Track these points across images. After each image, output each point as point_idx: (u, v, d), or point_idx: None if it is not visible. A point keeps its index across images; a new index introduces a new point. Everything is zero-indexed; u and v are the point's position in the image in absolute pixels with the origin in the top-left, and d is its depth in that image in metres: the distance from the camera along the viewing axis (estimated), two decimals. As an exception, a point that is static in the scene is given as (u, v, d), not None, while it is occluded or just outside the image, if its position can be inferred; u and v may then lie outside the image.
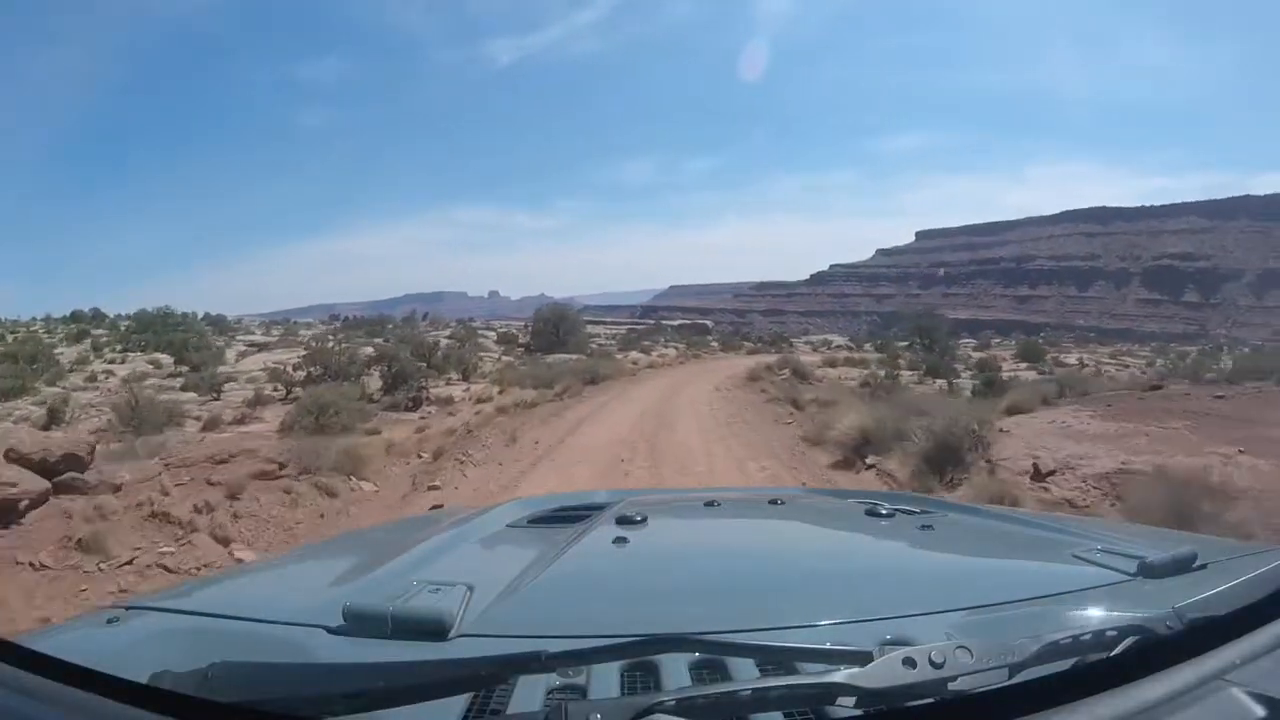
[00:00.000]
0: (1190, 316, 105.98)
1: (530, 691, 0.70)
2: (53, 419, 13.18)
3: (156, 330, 30.59)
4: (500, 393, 14.59)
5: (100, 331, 34.58)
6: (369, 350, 20.38)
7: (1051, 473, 5.76)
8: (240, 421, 13.04)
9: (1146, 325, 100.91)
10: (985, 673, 0.63)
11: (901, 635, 0.72)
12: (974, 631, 0.79)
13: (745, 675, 0.71)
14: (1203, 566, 0.94)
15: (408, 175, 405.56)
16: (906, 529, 1.35)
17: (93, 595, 4.30)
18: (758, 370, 18.66)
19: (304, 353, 19.01)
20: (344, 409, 10.88)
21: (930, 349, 26.56)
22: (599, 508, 1.57)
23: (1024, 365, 28.29)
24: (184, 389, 17.73)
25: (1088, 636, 0.69)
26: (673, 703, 0.59)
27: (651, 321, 78.08)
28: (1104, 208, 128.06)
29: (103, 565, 4.74)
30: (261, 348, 30.47)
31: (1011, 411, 9.17)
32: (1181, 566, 0.94)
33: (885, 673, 0.61)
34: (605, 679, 0.72)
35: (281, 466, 6.54)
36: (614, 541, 1.22)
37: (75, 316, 42.35)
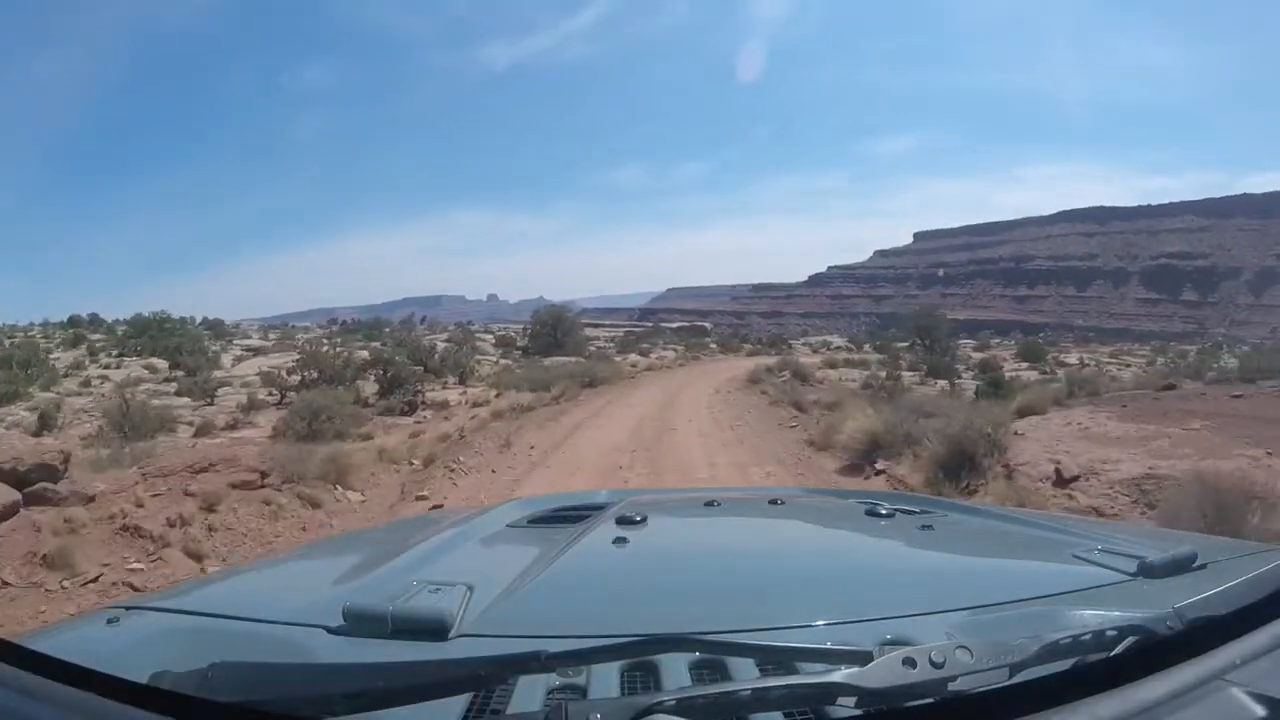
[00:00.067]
0: (1189, 315, 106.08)
1: (530, 691, 0.70)
2: (44, 425, 13.04)
3: (153, 335, 30.40)
4: (497, 396, 14.39)
5: (98, 336, 34.70)
6: (364, 354, 20.19)
7: (1075, 478, 5.45)
8: (233, 427, 12.90)
9: (1145, 324, 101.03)
10: (985, 673, 0.62)
11: (901, 635, 0.73)
12: (974, 631, 0.78)
13: (745, 675, 0.71)
14: (1203, 566, 0.94)
15: (406, 179, 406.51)
16: (906, 529, 1.34)
17: (51, 617, 4.01)
18: (758, 372, 18.52)
19: (298, 357, 18.71)
20: (337, 414, 10.76)
21: (931, 349, 26.43)
22: (599, 508, 1.57)
23: (1025, 365, 28.27)
24: (178, 394, 17.58)
25: (1088, 636, 0.69)
26: (673, 703, 0.59)
27: (650, 324, 78.08)
28: (1102, 207, 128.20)
29: (66, 583, 4.48)
30: (258, 352, 30.45)
31: (1023, 413, 8.87)
32: (1181, 566, 0.93)
33: (885, 673, 0.61)
34: (605, 679, 0.72)
35: (264, 476, 6.22)
36: (614, 541, 1.21)
37: (73, 321, 42.33)
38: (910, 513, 1.43)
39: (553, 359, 24.34)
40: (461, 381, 19.31)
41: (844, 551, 1.34)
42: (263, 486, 6.14)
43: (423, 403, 14.64)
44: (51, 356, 25.80)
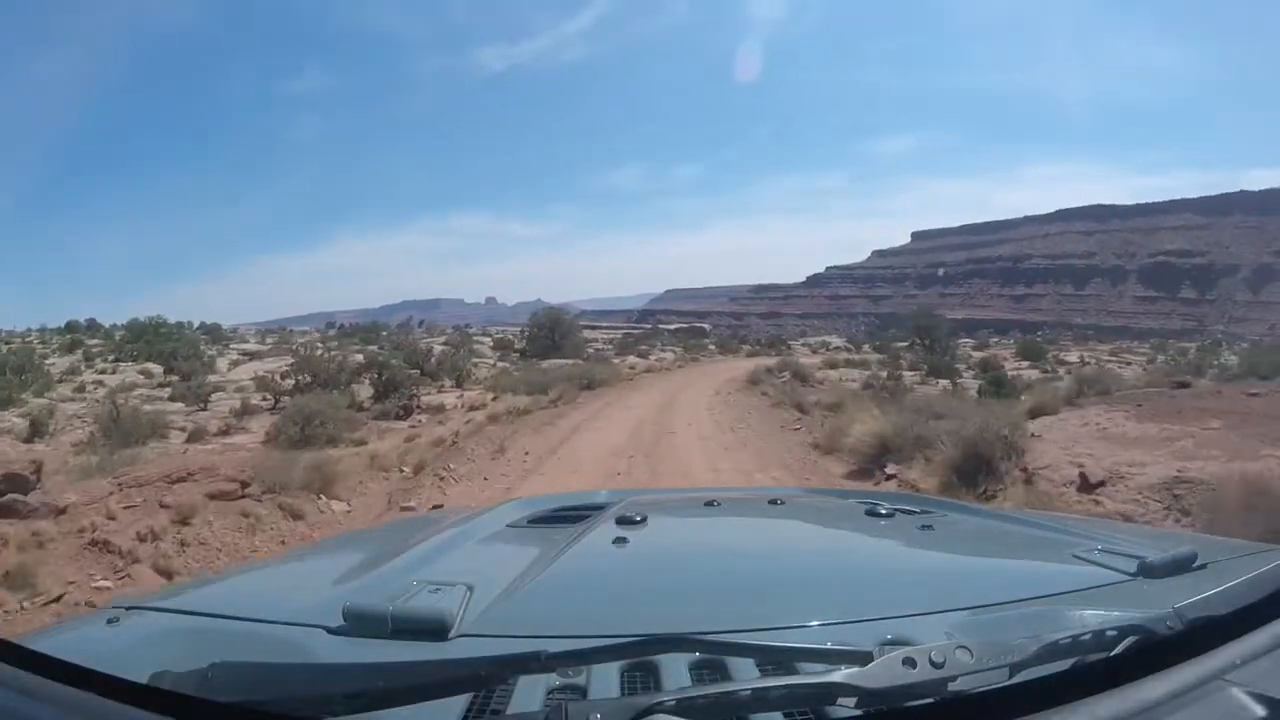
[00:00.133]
0: (1187, 312, 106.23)
1: (530, 691, 0.69)
2: (36, 431, 12.87)
3: (149, 340, 30.28)
4: (493, 399, 14.16)
5: (95, 341, 34.67)
6: (359, 358, 19.98)
7: (1101, 483, 5.16)
8: (226, 432, 12.71)
9: (1144, 322, 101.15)
10: (985, 673, 0.62)
11: (901, 635, 0.73)
12: (974, 631, 0.77)
13: (745, 675, 0.70)
14: (1203, 566, 0.94)
15: (405, 183, 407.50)
16: (906, 529, 1.34)
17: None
18: (758, 373, 18.38)
19: (292, 361, 18.48)
20: (331, 419, 10.55)
21: (931, 349, 26.26)
22: (599, 508, 1.56)
23: (1025, 364, 28.15)
24: (172, 399, 17.40)
25: (1088, 636, 0.69)
26: (673, 703, 0.59)
27: (648, 325, 77.89)
28: (1100, 206, 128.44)
29: (26, 603, 4.17)
30: (254, 356, 30.28)
31: (1035, 413, 8.58)
32: (1181, 566, 0.93)
33: (885, 673, 0.61)
34: (605, 679, 0.71)
35: (244, 485, 5.92)
36: (614, 541, 1.21)
37: (70, 326, 42.17)
38: (910, 513, 1.43)
39: (550, 361, 24.23)
40: (458, 385, 19.18)
41: (844, 551, 1.34)
42: (242, 497, 5.85)
43: (418, 406, 14.46)
44: (47, 362, 25.62)
